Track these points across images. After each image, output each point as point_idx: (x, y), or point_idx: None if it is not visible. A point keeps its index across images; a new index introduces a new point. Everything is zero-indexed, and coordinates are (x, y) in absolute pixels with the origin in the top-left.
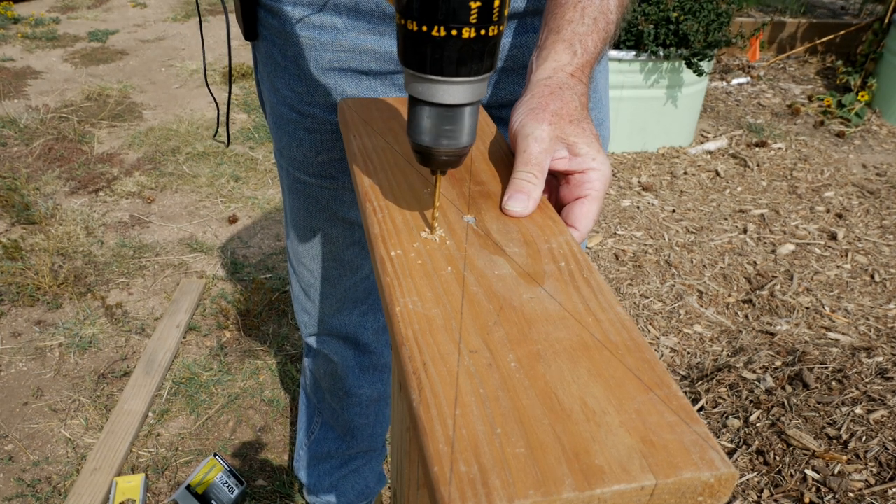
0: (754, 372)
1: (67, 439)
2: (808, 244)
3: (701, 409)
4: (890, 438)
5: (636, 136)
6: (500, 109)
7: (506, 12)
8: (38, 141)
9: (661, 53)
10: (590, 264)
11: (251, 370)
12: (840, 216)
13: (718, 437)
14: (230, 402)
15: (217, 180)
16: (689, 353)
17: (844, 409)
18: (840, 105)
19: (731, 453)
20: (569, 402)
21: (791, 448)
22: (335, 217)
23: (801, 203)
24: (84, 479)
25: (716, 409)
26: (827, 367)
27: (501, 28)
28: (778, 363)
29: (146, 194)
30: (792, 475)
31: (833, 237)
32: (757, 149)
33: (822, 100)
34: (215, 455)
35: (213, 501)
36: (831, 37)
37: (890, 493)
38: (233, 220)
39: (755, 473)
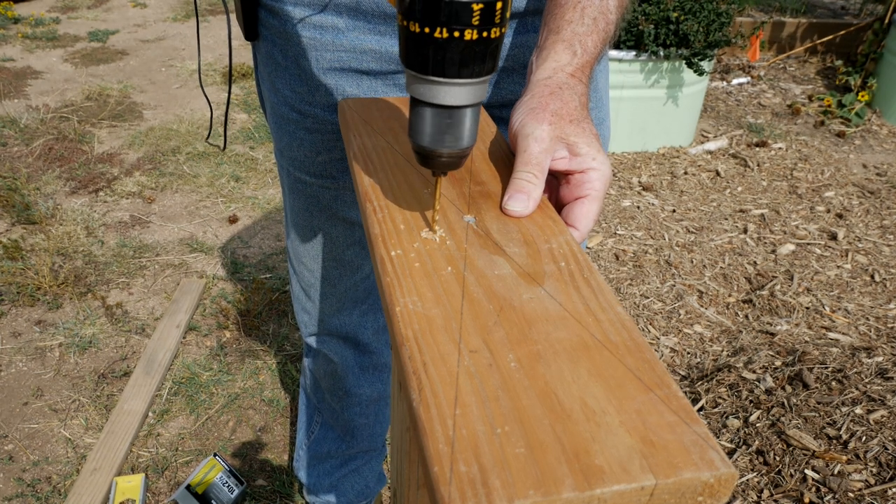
0: (754, 372)
1: (67, 439)
2: (808, 244)
3: (701, 409)
4: (890, 438)
5: (636, 136)
6: (501, 109)
7: (508, 14)
8: (39, 141)
9: (662, 53)
10: (590, 264)
11: (251, 370)
12: (840, 216)
13: (718, 437)
14: (230, 402)
15: (217, 180)
16: (689, 353)
17: (844, 409)
18: (840, 105)
19: (731, 453)
20: (569, 402)
21: (791, 448)
22: (335, 217)
23: (802, 203)
24: (84, 479)
25: (716, 409)
26: (827, 367)
27: (503, 30)
28: (778, 363)
29: (146, 194)
30: (792, 475)
31: (833, 237)
32: (757, 149)
33: (823, 100)
34: (215, 455)
35: (213, 501)
36: (831, 37)
37: (890, 493)
38: (233, 220)
39: (755, 473)
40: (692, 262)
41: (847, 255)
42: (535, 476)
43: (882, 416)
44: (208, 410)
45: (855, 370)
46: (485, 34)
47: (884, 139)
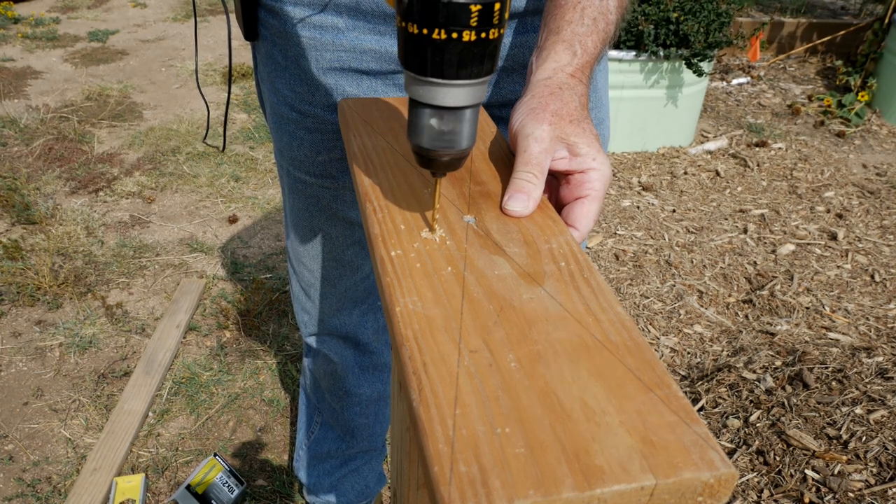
0: (754, 372)
1: (67, 439)
2: (808, 244)
3: (701, 409)
4: (890, 438)
5: (636, 136)
6: (501, 109)
7: (506, 15)
8: (39, 141)
9: (662, 53)
10: (590, 264)
11: (251, 370)
12: (840, 216)
13: (718, 437)
14: (230, 402)
15: (217, 180)
16: (689, 353)
17: (844, 409)
18: (840, 105)
19: (731, 453)
20: (569, 402)
21: (791, 448)
22: (335, 217)
23: (802, 203)
24: (84, 479)
25: (716, 409)
26: (827, 367)
27: (502, 31)
28: (778, 363)
29: (146, 194)
30: (792, 475)
31: (833, 237)
32: (757, 149)
33: (823, 100)
34: (215, 455)
35: (213, 501)
36: (831, 37)
37: (890, 493)
38: (233, 220)
39: (755, 473)
40: (692, 262)
41: (847, 255)
42: (535, 476)
43: (882, 416)
44: (208, 410)
45: (855, 370)
46: (483, 35)
47: (884, 139)
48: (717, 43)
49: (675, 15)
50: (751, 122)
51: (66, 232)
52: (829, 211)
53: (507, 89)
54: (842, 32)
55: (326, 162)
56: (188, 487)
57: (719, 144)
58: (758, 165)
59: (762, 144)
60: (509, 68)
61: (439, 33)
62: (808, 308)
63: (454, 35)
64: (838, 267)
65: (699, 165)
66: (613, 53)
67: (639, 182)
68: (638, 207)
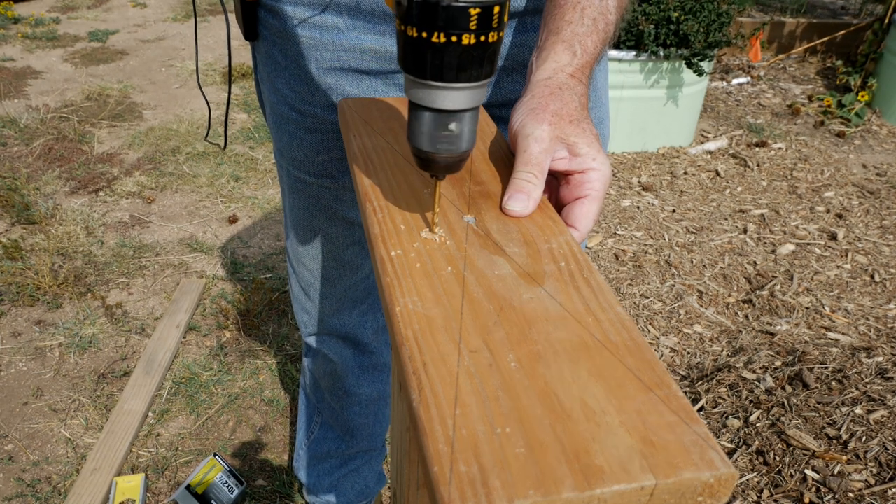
0: (754, 372)
1: (67, 439)
2: (808, 244)
3: (701, 409)
4: (890, 438)
5: (636, 136)
6: (501, 108)
7: (505, 18)
8: (38, 141)
9: (662, 53)
10: (590, 264)
11: (251, 370)
12: (840, 216)
13: (718, 437)
14: (230, 402)
15: (217, 180)
16: (689, 353)
17: (844, 409)
18: (840, 105)
19: (731, 453)
20: (569, 402)
21: (791, 448)
22: (335, 217)
23: (801, 203)
24: (84, 479)
25: (716, 409)
26: (827, 367)
27: (501, 34)
28: (778, 363)
29: (146, 194)
30: (792, 475)
31: (833, 237)
32: (757, 149)
33: (823, 100)
34: (215, 455)
35: (213, 501)
36: (831, 37)
37: (890, 493)
38: (233, 220)
39: (755, 473)
40: (692, 262)
41: (847, 255)
42: (535, 476)
43: (882, 416)
44: (208, 410)
45: (855, 370)
46: (483, 38)
47: (884, 139)
48: (718, 43)
49: (676, 15)
50: (751, 122)
51: (66, 232)
52: (828, 211)
53: (507, 89)
54: (842, 32)
55: (326, 162)
56: (188, 487)
57: (719, 144)
58: (758, 165)
59: (762, 144)
60: (509, 68)
61: (439, 37)
62: (807, 308)
63: (453, 38)
64: (838, 267)
65: (699, 165)
66: (613, 53)
67: (639, 182)
68: (638, 207)
